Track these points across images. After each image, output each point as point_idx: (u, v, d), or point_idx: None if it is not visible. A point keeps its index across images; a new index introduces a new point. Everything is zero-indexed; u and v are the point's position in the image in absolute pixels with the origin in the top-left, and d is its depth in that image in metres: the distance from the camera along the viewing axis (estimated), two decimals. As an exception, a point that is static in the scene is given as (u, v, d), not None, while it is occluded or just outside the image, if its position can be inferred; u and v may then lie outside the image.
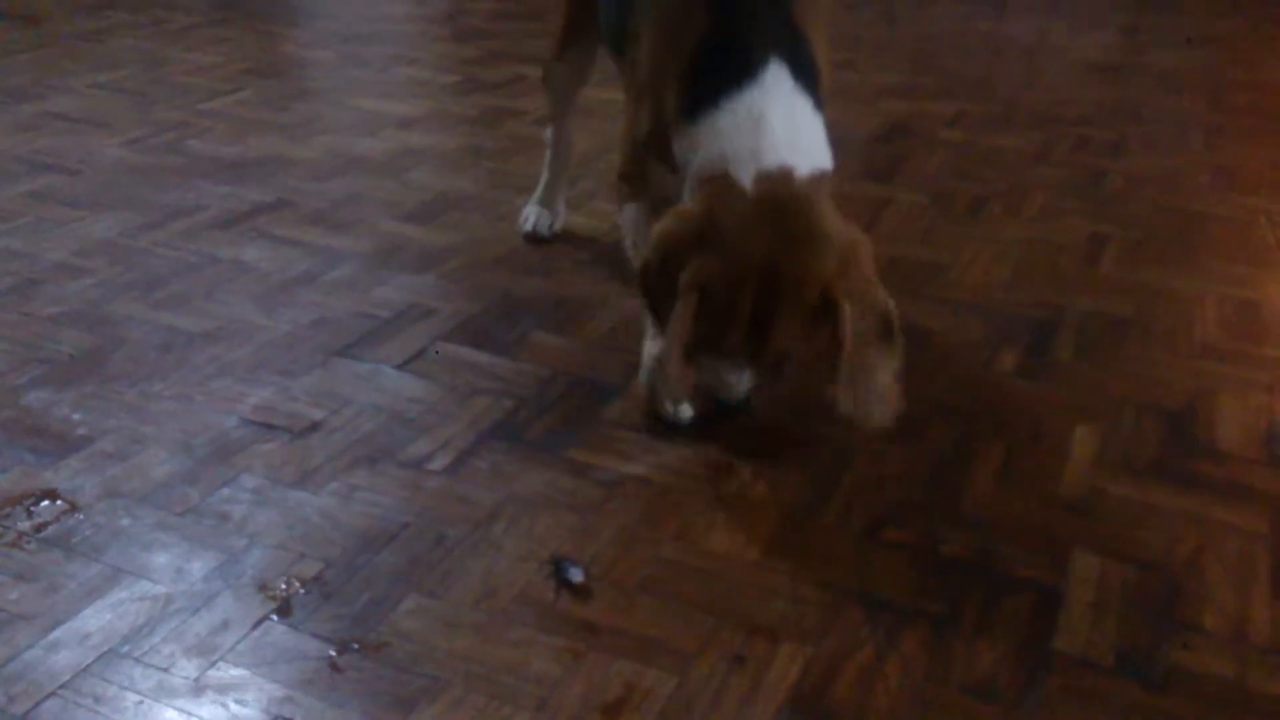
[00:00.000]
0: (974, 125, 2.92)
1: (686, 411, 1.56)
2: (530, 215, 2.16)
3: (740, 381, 1.51)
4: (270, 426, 1.53)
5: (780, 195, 1.36)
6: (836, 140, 1.46)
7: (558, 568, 1.28)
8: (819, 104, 1.43)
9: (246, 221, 2.19)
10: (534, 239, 2.14)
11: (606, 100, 3.04)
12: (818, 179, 1.38)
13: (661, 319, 1.41)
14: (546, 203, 2.17)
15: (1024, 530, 1.38)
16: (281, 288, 1.92)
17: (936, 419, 1.60)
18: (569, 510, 1.39)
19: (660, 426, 1.55)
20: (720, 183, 1.37)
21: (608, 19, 1.70)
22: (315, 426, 1.53)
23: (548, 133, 2.16)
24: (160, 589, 1.24)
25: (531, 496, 1.41)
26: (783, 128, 1.38)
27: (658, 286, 1.40)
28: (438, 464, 1.47)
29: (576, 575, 1.27)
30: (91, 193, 2.31)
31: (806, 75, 1.41)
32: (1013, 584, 1.29)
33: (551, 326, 1.82)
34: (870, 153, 2.68)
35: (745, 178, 1.36)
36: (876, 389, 1.36)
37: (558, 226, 2.16)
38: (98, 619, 1.19)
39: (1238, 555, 1.34)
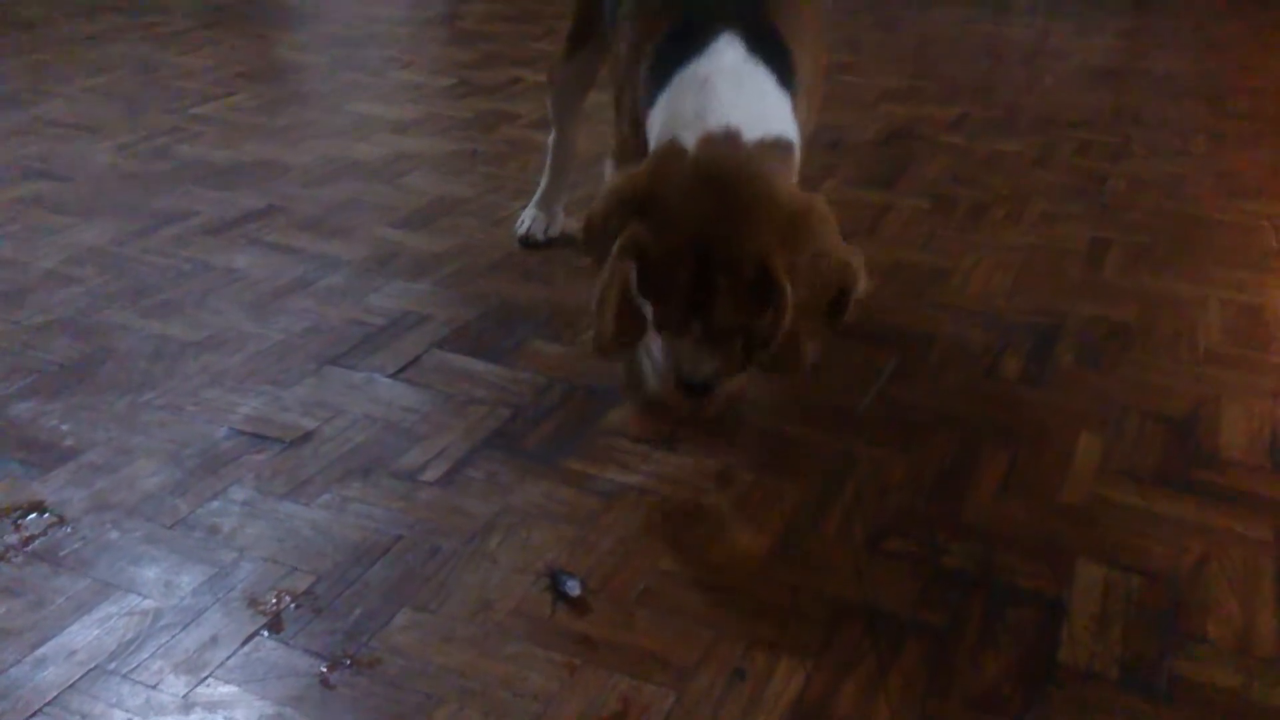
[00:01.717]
0: (975, 129, 2.90)
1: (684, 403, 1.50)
2: (526, 219, 2.14)
3: (699, 360, 1.40)
4: (261, 437, 1.51)
5: (723, 160, 1.31)
6: (836, 144, 1.44)
7: (554, 580, 1.26)
8: (785, 83, 1.38)
9: (238, 228, 2.17)
10: (529, 244, 2.12)
11: (606, 104, 3.02)
12: (770, 145, 1.33)
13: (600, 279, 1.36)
14: (544, 207, 2.15)
15: (1027, 540, 1.36)
16: (273, 295, 1.90)
17: (939, 426, 1.58)
18: (566, 521, 1.37)
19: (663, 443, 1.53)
20: (666, 147, 1.34)
21: (609, 22, 1.69)
22: (307, 437, 1.51)
23: (550, 137, 2.14)
24: (149, 604, 1.21)
25: (528, 507, 1.39)
26: (730, 92, 1.34)
27: (600, 246, 1.35)
28: (432, 474, 1.44)
29: (574, 588, 1.24)
30: (82, 199, 2.29)
31: (769, 52, 1.37)
32: (1016, 595, 1.27)
33: (548, 334, 1.80)
34: (871, 157, 2.66)
35: (689, 141, 1.32)
36: (801, 348, 1.33)
37: (554, 232, 2.14)
38: (85, 634, 1.17)
39: (1242, 564, 1.33)
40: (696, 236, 1.29)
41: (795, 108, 1.39)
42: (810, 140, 1.56)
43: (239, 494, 1.39)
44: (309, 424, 1.54)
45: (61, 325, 1.78)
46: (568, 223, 2.20)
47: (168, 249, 2.06)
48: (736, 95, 1.34)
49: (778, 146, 1.34)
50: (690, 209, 1.29)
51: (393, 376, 1.67)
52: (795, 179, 1.39)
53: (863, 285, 1.34)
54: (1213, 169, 2.64)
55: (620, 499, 1.41)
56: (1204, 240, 2.23)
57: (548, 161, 2.14)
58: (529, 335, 1.79)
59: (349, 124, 2.82)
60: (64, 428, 1.52)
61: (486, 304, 1.89)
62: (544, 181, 2.16)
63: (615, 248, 1.30)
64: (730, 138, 1.32)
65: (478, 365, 1.70)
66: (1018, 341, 1.82)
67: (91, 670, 1.13)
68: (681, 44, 1.39)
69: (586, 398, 1.62)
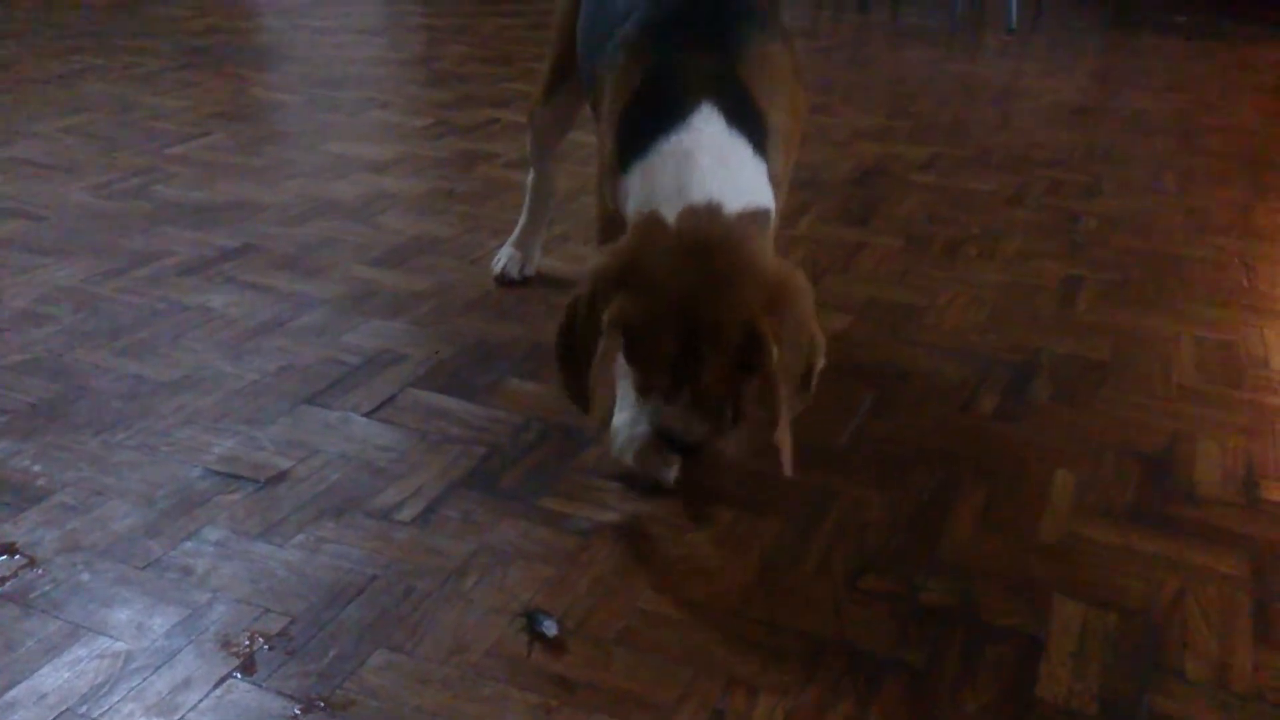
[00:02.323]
0: (948, 168, 2.93)
1: (669, 475, 1.50)
2: (503, 257, 2.14)
3: (689, 422, 1.41)
4: (235, 477, 1.50)
5: (706, 232, 1.32)
6: (811, 182, 1.45)
7: (531, 620, 1.25)
8: (761, 149, 1.39)
9: (214, 267, 2.16)
10: (505, 282, 2.12)
11: (581, 143, 3.04)
12: (751, 216, 1.34)
13: (588, 356, 1.37)
14: (521, 246, 2.15)
15: (1004, 576, 1.36)
16: (249, 334, 1.89)
17: (916, 463, 1.58)
18: (543, 561, 1.36)
19: (642, 485, 1.52)
20: (647, 220, 1.35)
21: (584, 67, 1.70)
22: (282, 476, 1.50)
23: (529, 177, 2.14)
24: (120, 646, 1.20)
25: (504, 547, 1.38)
26: (711, 166, 1.35)
27: (586, 324, 1.36)
28: (407, 514, 1.44)
29: (551, 628, 1.24)
30: (56, 238, 2.28)
31: (745, 121, 1.38)
32: (994, 632, 1.26)
33: (525, 372, 1.80)
34: (845, 195, 2.68)
35: (671, 214, 1.33)
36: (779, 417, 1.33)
37: (529, 271, 2.14)
38: (55, 678, 1.16)
39: (1218, 600, 1.33)
40: (683, 305, 1.30)
41: (771, 172, 1.41)
42: (786, 180, 1.57)
43: (212, 534, 1.38)
44: (284, 464, 1.53)
45: (34, 365, 1.77)
46: (545, 262, 2.21)
47: (142, 288, 2.06)
48: (717, 169, 1.35)
49: (757, 217, 1.36)
50: (676, 279, 1.30)
51: (368, 415, 1.66)
52: (771, 244, 1.41)
53: (822, 362, 1.37)
54: (1183, 206, 2.67)
55: (597, 538, 1.41)
56: (1176, 277, 2.25)
57: (526, 201, 2.15)
58: (505, 374, 1.79)
59: (326, 163, 2.82)
60: (36, 468, 1.51)
61: (463, 342, 1.89)
62: (522, 220, 2.16)
63: (607, 317, 1.31)
64: (712, 210, 1.33)
65: (454, 404, 1.70)
66: (993, 378, 1.83)
67: (62, 714, 1.11)
68: (657, 111, 1.39)
69: (563, 436, 1.62)
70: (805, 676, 1.19)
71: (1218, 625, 1.29)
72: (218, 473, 1.51)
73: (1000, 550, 1.40)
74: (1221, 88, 3.99)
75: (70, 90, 3.46)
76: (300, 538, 1.38)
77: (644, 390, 1.39)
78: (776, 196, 1.45)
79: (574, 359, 1.39)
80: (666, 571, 1.35)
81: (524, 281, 2.13)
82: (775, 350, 1.28)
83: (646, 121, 1.40)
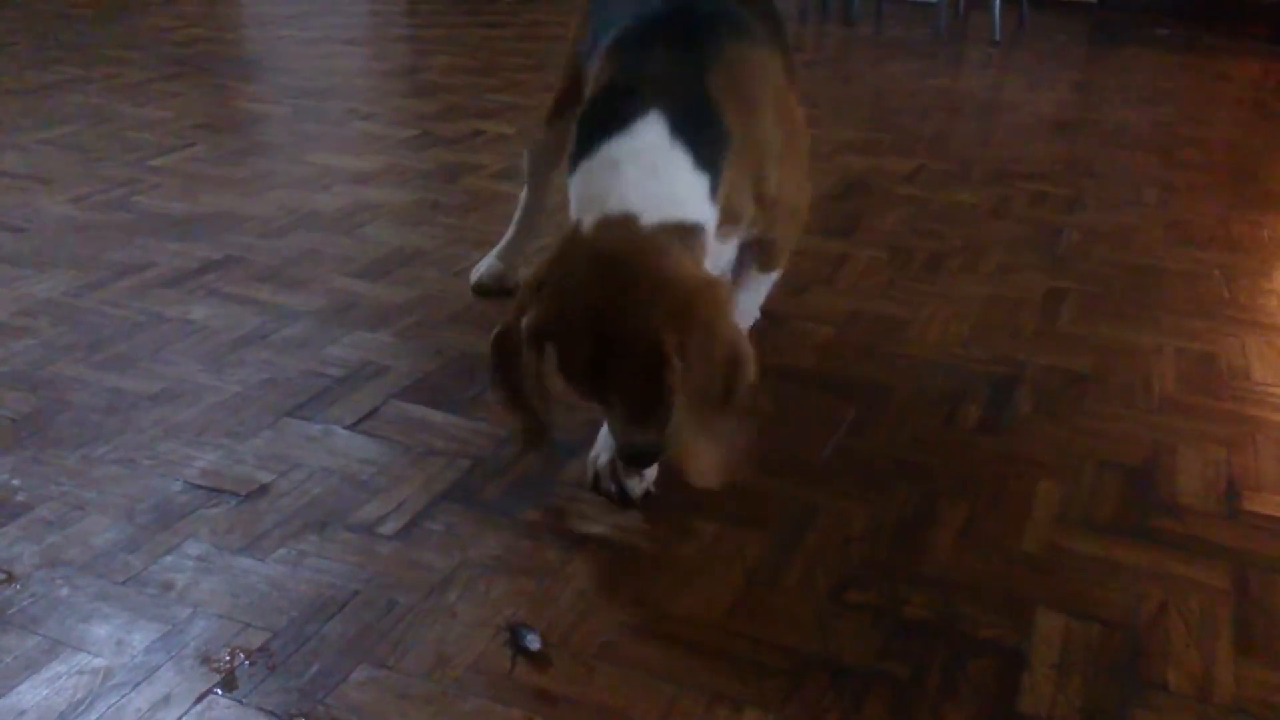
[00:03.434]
0: (931, 181, 2.94)
1: (632, 489, 1.50)
2: (483, 266, 2.14)
3: (630, 432, 1.38)
4: (217, 491, 1.49)
5: (616, 244, 1.29)
6: (794, 197, 1.45)
7: (514, 635, 1.24)
8: (707, 163, 1.36)
9: (195, 279, 2.15)
10: (482, 291, 2.12)
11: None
12: (671, 228, 1.31)
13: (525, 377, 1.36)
14: (504, 258, 2.15)
15: (987, 589, 1.36)
16: (230, 347, 1.88)
17: (899, 476, 1.59)
18: (526, 575, 1.35)
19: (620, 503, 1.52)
20: (569, 229, 1.34)
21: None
22: (263, 490, 1.50)
23: (523, 192, 2.13)
24: (100, 662, 1.19)
25: (487, 560, 1.38)
26: (637, 177, 1.33)
27: (514, 334, 1.35)
28: (390, 528, 1.43)
29: (534, 643, 1.23)
30: (36, 251, 2.27)
31: (696, 131, 1.36)
32: (976, 645, 1.26)
33: (507, 385, 1.79)
34: (828, 209, 2.68)
35: (589, 224, 1.32)
36: (708, 448, 1.31)
37: (509, 283, 2.13)
38: (34, 694, 1.15)
39: (1200, 612, 1.33)
40: (588, 319, 1.28)
41: (717, 187, 1.37)
42: (791, 205, 1.56)
43: (193, 549, 1.37)
44: (265, 477, 1.53)
45: (14, 378, 1.76)
46: (527, 273, 2.20)
47: (123, 301, 2.05)
48: (643, 179, 1.33)
49: (680, 230, 1.32)
50: (582, 292, 1.29)
51: (351, 428, 1.65)
52: (706, 259, 1.37)
53: (752, 372, 1.32)
54: (1164, 219, 2.69)
55: (581, 551, 1.40)
56: (1157, 289, 2.26)
57: (516, 215, 2.14)
58: (488, 386, 1.78)
59: (309, 175, 2.81)
60: (15, 482, 1.50)
61: (446, 355, 1.89)
62: (509, 233, 2.15)
63: (523, 329, 1.31)
64: (626, 221, 1.31)
65: (436, 416, 1.69)
66: (976, 391, 1.83)
67: (39, 732, 1.10)
68: (608, 116, 1.38)
69: (547, 450, 1.62)
70: (788, 691, 1.19)
71: (1199, 637, 1.29)
72: (199, 486, 1.50)
73: (983, 563, 1.41)
74: (1203, 101, 4.02)
75: (49, 101, 3.44)
76: (282, 552, 1.37)
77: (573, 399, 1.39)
78: (743, 209, 1.43)
79: (511, 384, 1.37)
80: (650, 586, 1.35)
81: (503, 293, 2.12)
82: (676, 364, 1.25)
83: (596, 126, 1.38)
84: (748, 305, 1.68)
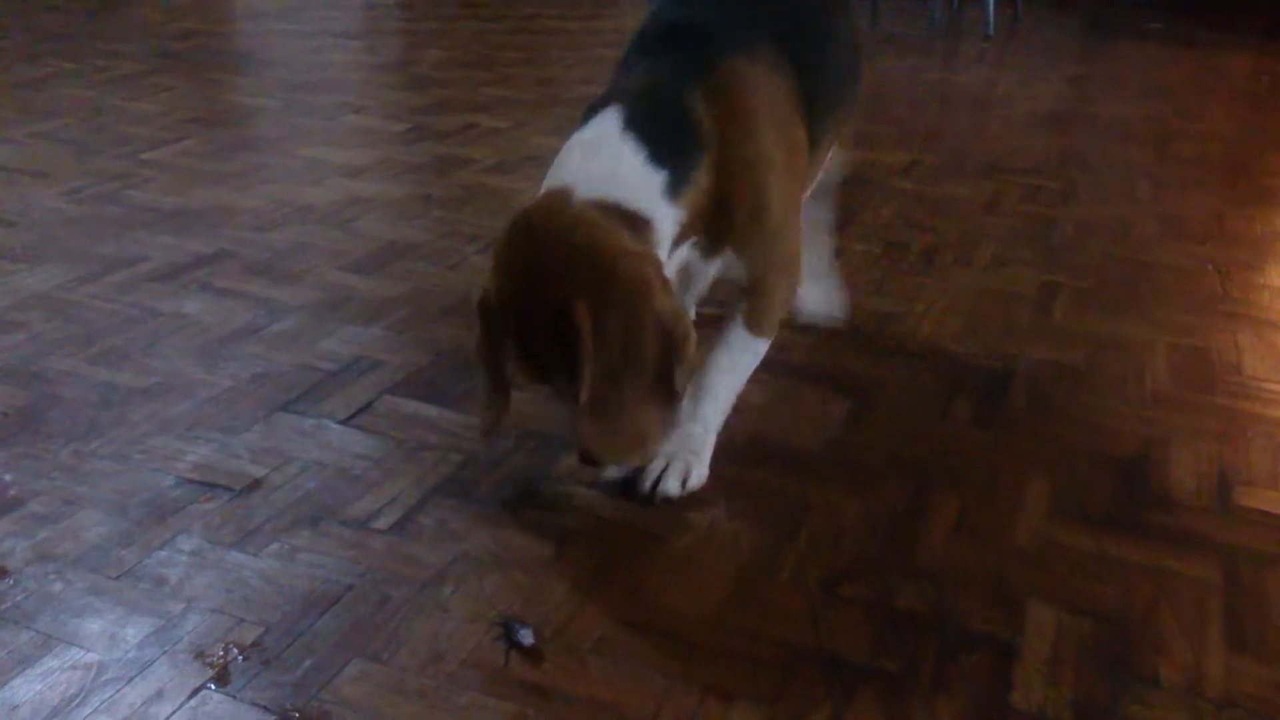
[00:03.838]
0: (925, 175, 2.94)
1: (611, 473, 1.51)
2: None
3: (572, 426, 1.39)
4: (210, 485, 1.49)
5: (544, 214, 1.31)
6: (787, 191, 1.44)
7: (507, 629, 1.24)
8: (664, 160, 1.34)
9: (188, 273, 2.15)
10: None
11: (558, 149, 3.03)
12: (605, 206, 1.30)
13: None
14: None
15: (979, 583, 1.36)
16: (223, 341, 1.88)
17: (891, 470, 1.59)
18: (519, 569, 1.35)
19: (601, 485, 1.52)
20: (520, 209, 1.36)
21: None
22: (256, 485, 1.49)
23: None
24: (93, 657, 1.19)
25: (480, 555, 1.38)
26: (580, 158, 1.34)
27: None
28: (383, 522, 1.43)
29: (527, 637, 1.23)
30: (27, 245, 2.26)
31: (658, 131, 1.35)
32: (969, 639, 1.27)
33: (501, 379, 1.79)
34: (821, 202, 2.68)
35: (531, 201, 1.34)
36: (624, 428, 1.31)
37: None
38: (27, 689, 1.14)
39: (1192, 606, 1.33)
40: (515, 289, 1.29)
41: (680, 189, 1.35)
42: (783, 250, 1.50)
43: (186, 544, 1.37)
44: (258, 472, 1.52)
45: (5, 372, 1.76)
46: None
47: (115, 295, 2.04)
48: (584, 161, 1.34)
49: (616, 211, 1.31)
50: (512, 263, 1.30)
51: (344, 423, 1.65)
52: (663, 258, 1.35)
53: (690, 351, 1.31)
54: (1157, 213, 2.69)
55: (574, 546, 1.40)
56: (1150, 284, 2.27)
57: None
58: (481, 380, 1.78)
59: (301, 168, 2.81)
60: (7, 477, 1.49)
61: (440, 349, 1.89)
62: None
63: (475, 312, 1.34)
64: (562, 194, 1.32)
65: (430, 411, 1.69)
66: (969, 385, 1.83)
67: (32, 727, 1.10)
68: (583, 119, 1.41)
69: (540, 443, 1.62)
70: (781, 684, 1.19)
71: (1191, 631, 1.29)
72: (191, 481, 1.50)
73: (975, 557, 1.41)
74: (1196, 95, 4.02)
75: (41, 95, 3.43)
76: (275, 546, 1.37)
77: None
78: (725, 227, 1.41)
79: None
80: (643, 580, 1.35)
81: None
82: (585, 329, 1.24)
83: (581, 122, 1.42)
84: (721, 372, 1.54)
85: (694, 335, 1.32)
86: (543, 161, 2.93)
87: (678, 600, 1.31)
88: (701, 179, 1.38)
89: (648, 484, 1.50)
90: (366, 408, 1.69)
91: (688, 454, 1.52)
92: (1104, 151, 3.22)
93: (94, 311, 1.97)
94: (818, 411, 1.74)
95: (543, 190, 1.35)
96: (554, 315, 1.27)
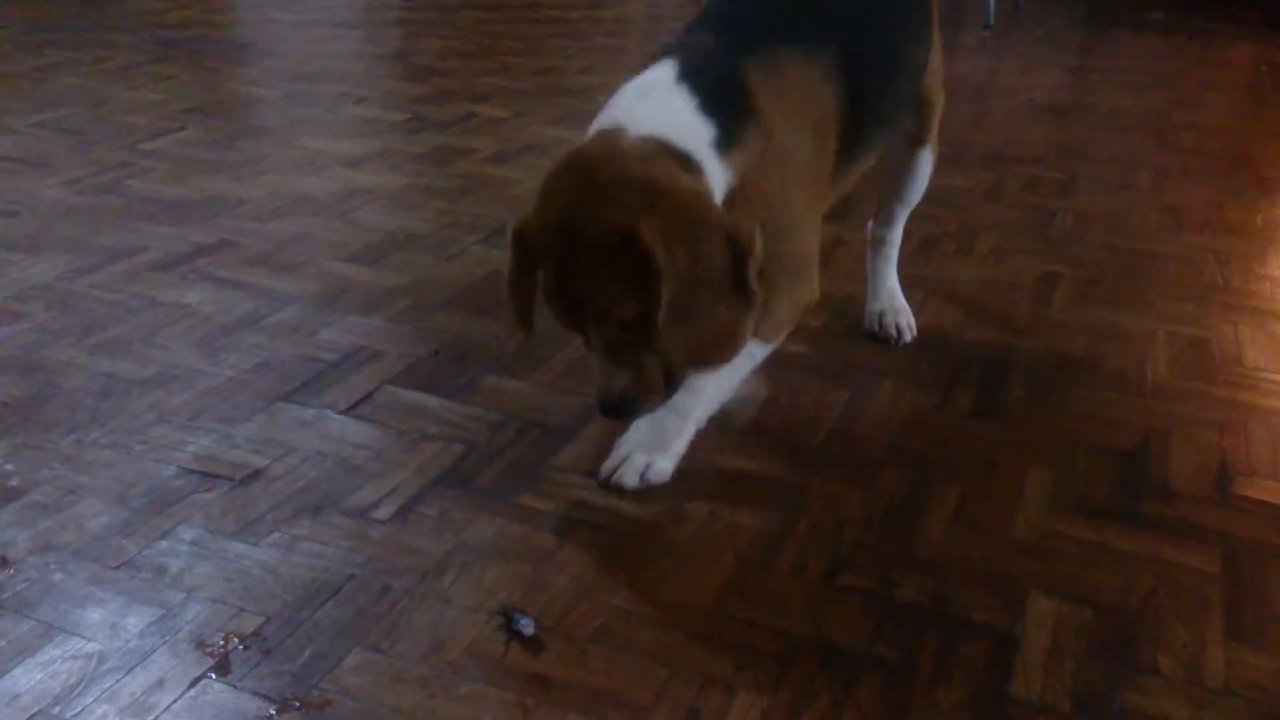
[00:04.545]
0: (923, 164, 2.93)
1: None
2: None
3: (609, 375, 1.35)
4: (210, 475, 1.49)
5: (596, 146, 1.31)
6: (787, 181, 1.44)
7: (508, 619, 1.25)
8: (712, 112, 1.34)
9: (188, 263, 2.15)
10: None
11: (558, 139, 3.03)
12: (655, 142, 1.30)
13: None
14: None
15: (979, 574, 1.36)
16: (223, 331, 1.88)
17: (891, 460, 1.59)
18: (520, 559, 1.36)
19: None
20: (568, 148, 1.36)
21: None
22: (257, 475, 1.50)
23: None
24: (94, 646, 1.19)
25: (481, 545, 1.38)
26: (633, 99, 1.36)
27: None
28: (384, 512, 1.43)
29: (527, 627, 1.23)
30: (28, 235, 2.26)
31: (710, 87, 1.35)
32: (968, 629, 1.27)
33: (503, 369, 1.79)
34: (821, 192, 2.67)
35: (585, 139, 1.35)
36: (706, 335, 1.30)
37: None
38: (28, 679, 1.15)
39: (1191, 596, 1.34)
40: (563, 217, 1.27)
41: (728, 147, 1.35)
42: (794, 252, 1.50)
43: (187, 534, 1.37)
44: (259, 462, 1.53)
45: (7, 362, 1.76)
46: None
47: (116, 285, 2.04)
48: (636, 102, 1.35)
49: (665, 147, 1.31)
50: (559, 191, 1.29)
51: (344, 413, 1.65)
52: (702, 189, 1.33)
53: (759, 248, 1.30)
54: (1158, 204, 2.69)
55: (574, 535, 1.41)
56: (1150, 274, 2.27)
57: None
58: (483, 371, 1.78)
59: (301, 159, 2.81)
60: (8, 467, 1.50)
61: (439, 339, 1.89)
62: None
63: (509, 233, 1.33)
64: (613, 131, 1.32)
65: (431, 401, 1.69)
66: (969, 375, 1.83)
67: (35, 715, 1.10)
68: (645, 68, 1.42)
69: (540, 434, 1.62)
70: (781, 674, 1.19)
71: (1190, 621, 1.30)
72: (192, 471, 1.50)
73: (975, 547, 1.41)
74: (1196, 85, 4.02)
75: (42, 84, 3.43)
76: (276, 536, 1.37)
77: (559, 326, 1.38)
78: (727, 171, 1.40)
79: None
80: (643, 570, 1.35)
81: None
82: (658, 249, 1.23)
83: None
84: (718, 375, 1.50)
85: (759, 239, 1.30)
86: (543, 151, 2.93)
87: (677, 590, 1.32)
88: (747, 144, 1.37)
89: (604, 474, 1.50)
90: (367, 398, 1.69)
91: (654, 447, 1.51)
92: (1104, 142, 3.22)
93: (95, 302, 1.97)
94: (817, 402, 1.74)
95: (592, 130, 1.35)
96: (612, 244, 1.25)
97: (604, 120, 1.35)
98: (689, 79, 1.36)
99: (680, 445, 1.52)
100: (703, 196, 1.29)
